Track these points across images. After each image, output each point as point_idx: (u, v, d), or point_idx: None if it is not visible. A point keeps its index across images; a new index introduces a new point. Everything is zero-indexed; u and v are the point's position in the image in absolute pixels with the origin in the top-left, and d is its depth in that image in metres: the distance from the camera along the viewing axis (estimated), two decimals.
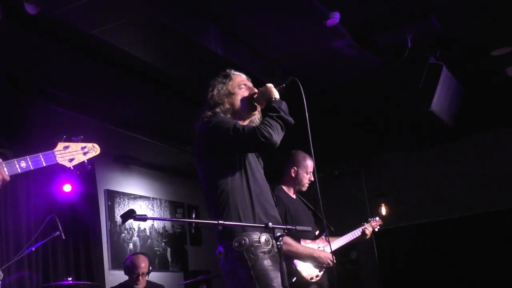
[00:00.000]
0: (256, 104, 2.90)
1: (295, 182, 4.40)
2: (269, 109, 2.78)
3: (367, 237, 4.73)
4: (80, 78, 5.10)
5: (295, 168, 4.39)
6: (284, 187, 4.39)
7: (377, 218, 4.96)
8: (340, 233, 4.59)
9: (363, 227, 4.72)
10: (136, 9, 3.91)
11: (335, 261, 4.12)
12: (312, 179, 4.44)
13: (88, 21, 4.00)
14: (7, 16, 3.92)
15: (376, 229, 4.90)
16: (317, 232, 4.34)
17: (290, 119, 2.76)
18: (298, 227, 2.64)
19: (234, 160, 2.76)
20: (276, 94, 2.83)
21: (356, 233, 4.67)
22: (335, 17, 4.44)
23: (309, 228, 2.91)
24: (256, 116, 2.96)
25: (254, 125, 2.82)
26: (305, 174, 4.39)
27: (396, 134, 7.48)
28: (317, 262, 4.14)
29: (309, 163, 4.42)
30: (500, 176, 7.48)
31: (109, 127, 5.95)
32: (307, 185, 4.44)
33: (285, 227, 2.60)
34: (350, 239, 4.61)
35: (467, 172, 7.73)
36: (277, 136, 2.66)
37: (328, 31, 4.65)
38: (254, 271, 2.59)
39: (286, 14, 4.47)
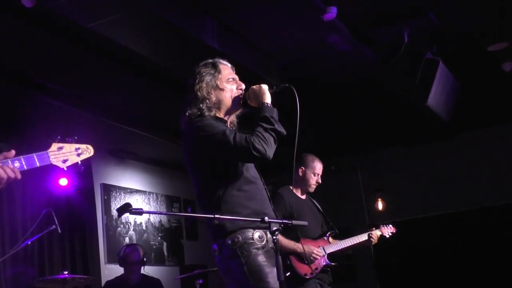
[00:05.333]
0: (244, 102, 2.84)
1: (302, 182, 4.54)
2: (261, 119, 2.68)
3: (373, 243, 4.62)
4: (76, 71, 5.08)
5: (302, 168, 4.53)
6: (291, 187, 4.49)
7: (390, 225, 4.85)
8: (338, 230, 4.56)
9: (369, 232, 4.62)
10: (133, 2, 3.89)
11: (318, 256, 4.15)
12: (320, 181, 4.57)
13: (84, 14, 3.98)
14: (3, 9, 3.90)
15: (388, 235, 4.77)
16: (320, 233, 4.39)
17: (283, 130, 2.69)
18: (294, 222, 2.64)
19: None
20: (268, 99, 2.74)
21: (361, 237, 4.57)
22: (332, 12, 4.43)
23: (305, 223, 2.90)
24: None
25: (238, 130, 2.76)
26: (312, 175, 4.53)
27: (392, 129, 7.49)
28: (304, 257, 4.17)
29: (317, 165, 4.56)
30: (496, 171, 7.50)
31: (105, 121, 5.94)
32: (314, 186, 4.56)
33: (281, 221, 2.60)
34: (353, 243, 4.52)
35: (463, 167, 7.76)
36: (271, 150, 2.61)
37: (325, 26, 4.64)
38: (247, 267, 2.58)
39: (283, 8, 4.46)
